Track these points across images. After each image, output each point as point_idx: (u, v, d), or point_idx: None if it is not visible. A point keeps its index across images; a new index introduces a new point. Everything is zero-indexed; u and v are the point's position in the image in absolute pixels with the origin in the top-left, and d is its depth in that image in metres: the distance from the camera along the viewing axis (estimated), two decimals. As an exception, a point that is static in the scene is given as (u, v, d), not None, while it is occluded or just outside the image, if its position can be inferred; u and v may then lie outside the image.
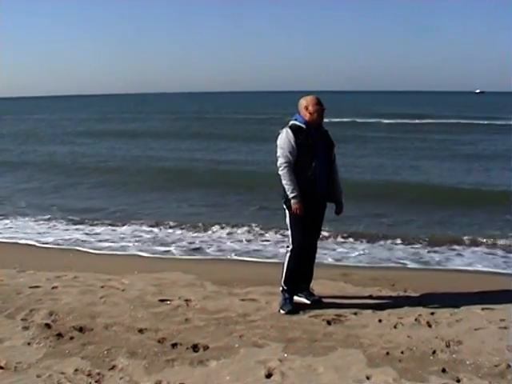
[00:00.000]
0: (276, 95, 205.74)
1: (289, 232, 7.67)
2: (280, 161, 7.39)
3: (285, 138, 7.37)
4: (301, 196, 7.31)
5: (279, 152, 7.40)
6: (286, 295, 7.68)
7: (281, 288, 7.73)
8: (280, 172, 7.41)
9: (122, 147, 35.24)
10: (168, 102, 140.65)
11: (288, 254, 7.66)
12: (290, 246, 7.63)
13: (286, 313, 7.46)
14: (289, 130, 7.40)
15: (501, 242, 12.35)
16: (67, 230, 14.08)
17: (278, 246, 11.99)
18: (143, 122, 62.05)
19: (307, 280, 7.96)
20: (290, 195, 7.32)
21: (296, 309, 7.56)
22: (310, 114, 7.44)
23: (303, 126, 7.42)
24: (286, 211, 7.57)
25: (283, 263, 7.75)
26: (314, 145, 7.37)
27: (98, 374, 5.72)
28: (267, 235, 13.12)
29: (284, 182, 7.38)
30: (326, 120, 7.63)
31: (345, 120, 53.42)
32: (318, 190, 7.44)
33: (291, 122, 7.53)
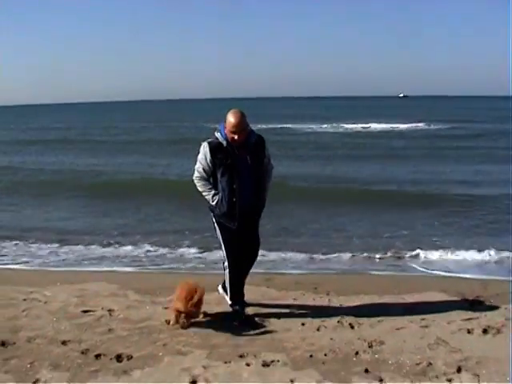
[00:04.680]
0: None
1: (222, 248, 7.56)
2: (194, 174, 7.34)
3: (202, 154, 7.21)
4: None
5: (196, 165, 7.29)
6: (236, 307, 7.63)
7: (229, 303, 7.69)
8: (196, 183, 7.38)
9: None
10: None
11: (226, 271, 7.60)
12: (226, 263, 7.55)
13: (239, 324, 7.34)
14: (206, 146, 7.17)
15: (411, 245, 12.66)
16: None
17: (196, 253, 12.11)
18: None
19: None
20: (212, 202, 7.28)
21: (248, 319, 7.49)
22: (228, 134, 7.10)
23: (224, 142, 7.11)
24: (216, 225, 7.51)
25: (224, 281, 7.73)
26: (234, 164, 7.10)
27: (22, 387, 5.66)
28: (187, 242, 13.13)
29: (201, 191, 7.39)
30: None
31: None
32: (241, 209, 7.21)
33: (216, 134, 7.20)
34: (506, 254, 11.63)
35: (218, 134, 7.18)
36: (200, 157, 7.24)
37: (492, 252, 11.72)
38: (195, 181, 7.36)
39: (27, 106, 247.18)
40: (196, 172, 7.31)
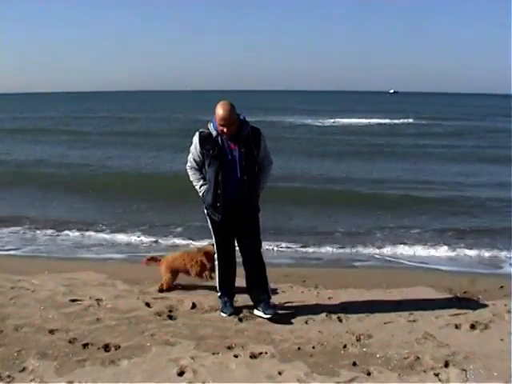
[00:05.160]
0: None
1: (213, 239, 7.53)
2: (187, 163, 7.33)
3: (193, 144, 7.19)
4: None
5: (189, 155, 7.29)
6: (225, 299, 7.57)
7: (218, 294, 7.64)
8: (188, 172, 7.37)
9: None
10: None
11: (216, 262, 7.57)
12: (215, 255, 7.54)
13: (228, 315, 7.35)
14: (197, 137, 7.13)
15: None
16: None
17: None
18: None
19: (262, 291, 7.53)
20: (200, 192, 7.29)
21: (237, 311, 7.48)
22: (217, 126, 7.01)
23: (214, 132, 7.04)
24: (207, 217, 7.44)
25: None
26: (221, 155, 7.01)
27: (9, 376, 5.63)
28: (175, 231, 13.29)
29: (191, 180, 7.37)
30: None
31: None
32: (225, 202, 7.12)
33: (208, 125, 7.11)
34: (494, 251, 11.86)
35: (210, 125, 7.12)
36: (191, 147, 7.22)
37: (477, 249, 11.98)
38: (187, 170, 7.36)
39: (26, 95, 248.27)
40: (188, 161, 7.32)
